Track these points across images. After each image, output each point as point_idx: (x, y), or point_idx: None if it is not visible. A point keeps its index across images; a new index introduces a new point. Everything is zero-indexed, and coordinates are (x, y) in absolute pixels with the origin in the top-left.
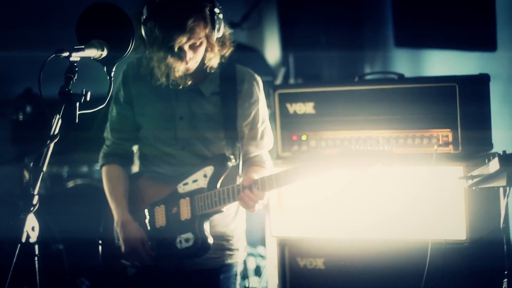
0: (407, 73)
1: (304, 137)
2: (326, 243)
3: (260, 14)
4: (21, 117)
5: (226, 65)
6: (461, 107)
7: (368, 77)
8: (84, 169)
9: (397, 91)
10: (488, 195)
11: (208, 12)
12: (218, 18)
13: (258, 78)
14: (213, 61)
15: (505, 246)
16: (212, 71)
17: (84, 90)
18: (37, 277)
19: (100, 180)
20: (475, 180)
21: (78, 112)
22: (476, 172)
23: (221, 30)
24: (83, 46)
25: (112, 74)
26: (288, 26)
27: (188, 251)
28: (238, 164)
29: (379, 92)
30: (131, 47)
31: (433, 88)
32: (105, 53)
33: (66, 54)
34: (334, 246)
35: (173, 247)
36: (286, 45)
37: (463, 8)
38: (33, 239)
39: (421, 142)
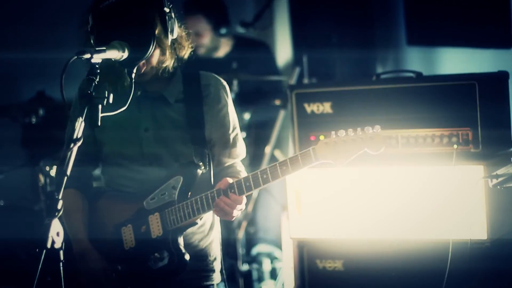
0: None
1: (321, 137)
2: (345, 244)
3: (272, 14)
4: (33, 120)
5: (189, 70)
6: (481, 105)
7: (385, 75)
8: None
9: (416, 89)
10: (508, 194)
11: (156, 14)
12: (170, 18)
13: (225, 83)
14: (166, 63)
15: None
16: (166, 75)
17: (106, 92)
18: (62, 282)
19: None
20: (500, 179)
21: (100, 115)
22: (501, 171)
23: (175, 31)
24: (105, 48)
25: (133, 75)
26: (300, 25)
27: (164, 270)
28: (209, 172)
29: (397, 90)
30: (152, 48)
31: (452, 86)
32: (126, 54)
33: (88, 56)
34: (354, 247)
35: (146, 267)
36: (298, 44)
37: (476, 4)
38: (57, 244)
39: (440, 141)
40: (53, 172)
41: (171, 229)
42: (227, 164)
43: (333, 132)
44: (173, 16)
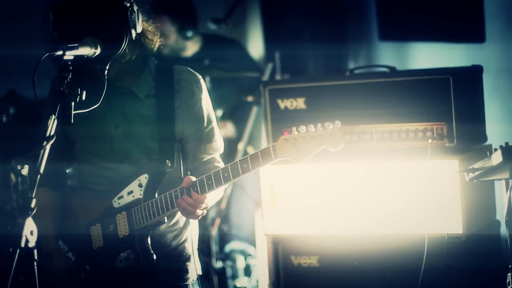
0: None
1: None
2: (320, 240)
3: (244, 10)
4: (4, 118)
5: (162, 64)
6: (455, 100)
7: (359, 70)
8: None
9: (390, 84)
10: (482, 188)
11: (118, 8)
12: (132, 13)
13: (199, 77)
14: (126, 58)
15: (509, 240)
16: (133, 70)
17: (79, 89)
18: (37, 282)
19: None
20: (476, 173)
21: (73, 112)
22: (478, 165)
23: (138, 25)
24: (77, 44)
25: (106, 72)
26: (271, 21)
27: (130, 270)
28: (179, 170)
29: (371, 85)
30: (125, 44)
31: (426, 80)
32: (98, 51)
33: (60, 52)
34: (329, 243)
35: (114, 267)
36: (270, 40)
37: None
38: (31, 243)
39: (415, 136)
40: (24, 171)
41: (137, 228)
42: (204, 160)
43: (293, 128)
44: (135, 10)
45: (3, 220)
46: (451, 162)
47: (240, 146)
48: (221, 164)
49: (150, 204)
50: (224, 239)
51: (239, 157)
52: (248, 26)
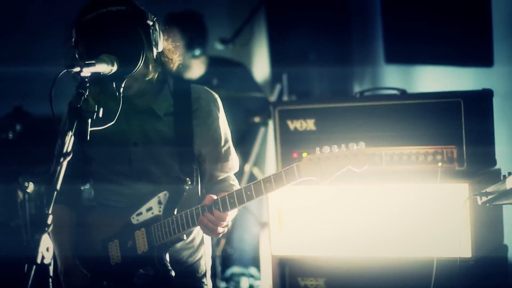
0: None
1: (304, 154)
2: (328, 262)
3: (251, 30)
4: (10, 135)
5: (180, 83)
6: (466, 123)
7: (369, 93)
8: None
9: (400, 107)
10: (491, 212)
11: (140, 27)
12: (154, 31)
13: (216, 96)
14: (149, 77)
15: None
16: (153, 88)
17: (96, 106)
18: None
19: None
20: (490, 197)
21: (89, 129)
22: (491, 189)
23: (160, 44)
24: (94, 61)
25: (121, 90)
26: (278, 42)
27: (149, 286)
28: (197, 187)
29: (381, 108)
30: (141, 62)
31: (436, 103)
32: (115, 68)
33: (77, 69)
34: (336, 265)
35: (132, 283)
36: (276, 61)
37: (457, 22)
38: (47, 260)
39: (425, 159)
40: (30, 189)
41: (156, 245)
42: (219, 178)
43: (317, 149)
44: (157, 29)
45: (8, 237)
46: (461, 186)
47: (247, 167)
48: (235, 183)
49: (170, 221)
50: (226, 261)
51: (245, 178)
52: (255, 46)
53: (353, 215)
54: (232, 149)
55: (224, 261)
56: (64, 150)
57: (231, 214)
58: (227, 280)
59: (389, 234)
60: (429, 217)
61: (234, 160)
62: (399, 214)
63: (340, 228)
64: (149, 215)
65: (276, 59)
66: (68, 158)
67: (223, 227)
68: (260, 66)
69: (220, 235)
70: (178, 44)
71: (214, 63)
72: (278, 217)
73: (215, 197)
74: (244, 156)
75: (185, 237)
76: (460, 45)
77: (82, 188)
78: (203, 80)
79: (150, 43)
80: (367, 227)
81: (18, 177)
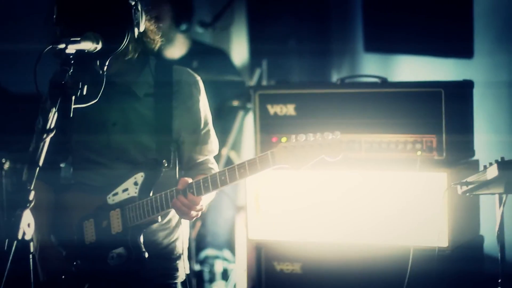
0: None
1: (284, 139)
2: (304, 247)
3: (231, 15)
4: None
5: (162, 64)
6: (446, 113)
7: (350, 80)
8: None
9: (380, 94)
10: (469, 202)
11: (122, 6)
12: (136, 12)
13: (198, 78)
14: (129, 56)
15: (499, 253)
16: (133, 67)
17: (80, 84)
18: (31, 275)
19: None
20: (470, 186)
21: (73, 107)
22: (471, 178)
23: (141, 24)
24: (79, 39)
25: (105, 68)
26: (258, 28)
27: (122, 267)
28: (174, 170)
29: (362, 95)
30: (126, 40)
31: (417, 93)
32: (99, 46)
33: (62, 46)
34: (313, 251)
35: (105, 264)
36: (256, 46)
37: (438, 13)
38: (28, 236)
39: (404, 147)
40: (6, 165)
41: (130, 226)
42: (198, 161)
43: (293, 136)
44: (139, 9)
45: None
46: (440, 175)
47: (224, 151)
48: (214, 166)
49: (145, 202)
50: (200, 243)
51: (222, 162)
52: (234, 31)
53: (331, 201)
54: (212, 132)
55: (198, 243)
56: (47, 127)
57: (206, 198)
58: (201, 262)
59: (366, 221)
60: (407, 206)
61: (213, 143)
62: (377, 202)
63: (317, 213)
64: (124, 195)
65: (256, 44)
66: (51, 135)
67: (196, 210)
68: (240, 51)
69: (194, 218)
70: (161, 23)
71: (194, 46)
72: (256, 201)
73: (190, 180)
74: (222, 139)
75: (159, 219)
76: (440, 35)
77: (61, 165)
78: (184, 63)
79: (131, 23)
80: (344, 213)
81: None
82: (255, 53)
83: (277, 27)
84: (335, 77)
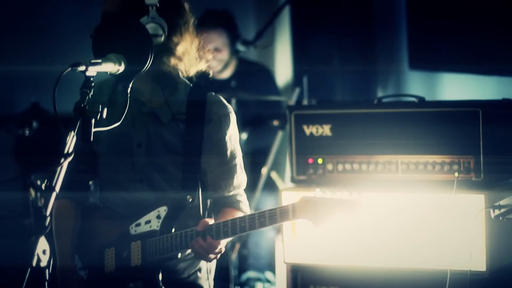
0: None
1: (320, 160)
2: (340, 271)
3: (273, 32)
4: (27, 132)
5: (195, 90)
6: (484, 133)
7: (387, 99)
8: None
9: (418, 114)
10: (508, 224)
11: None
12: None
13: (230, 110)
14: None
15: None
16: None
17: (100, 106)
18: None
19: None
20: (502, 210)
21: (93, 130)
22: (504, 201)
23: (178, 45)
24: (100, 60)
25: (129, 90)
26: (301, 45)
27: None
28: (198, 205)
29: (398, 115)
30: (149, 62)
31: (455, 112)
32: (122, 68)
33: (83, 68)
34: (349, 275)
35: None
36: (299, 64)
37: (481, 30)
38: (43, 263)
39: (441, 169)
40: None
41: (150, 260)
42: (225, 195)
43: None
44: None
45: (21, 236)
46: (477, 197)
47: (264, 170)
48: (243, 198)
49: (165, 239)
50: (242, 265)
51: (262, 182)
52: (277, 49)
53: (367, 224)
54: (240, 167)
55: (240, 265)
56: (65, 151)
57: (224, 241)
58: (242, 285)
59: (402, 244)
60: (444, 228)
61: (240, 177)
62: (413, 224)
63: (353, 237)
64: (147, 228)
65: (298, 61)
66: (69, 159)
67: (215, 253)
68: (283, 69)
69: (212, 260)
70: (226, 42)
71: (239, 63)
72: (292, 225)
73: (210, 222)
74: (262, 160)
75: (179, 256)
76: (483, 53)
77: (90, 184)
78: (222, 82)
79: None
80: (381, 236)
81: (31, 175)
82: (298, 71)
83: (321, 44)
84: (379, 95)
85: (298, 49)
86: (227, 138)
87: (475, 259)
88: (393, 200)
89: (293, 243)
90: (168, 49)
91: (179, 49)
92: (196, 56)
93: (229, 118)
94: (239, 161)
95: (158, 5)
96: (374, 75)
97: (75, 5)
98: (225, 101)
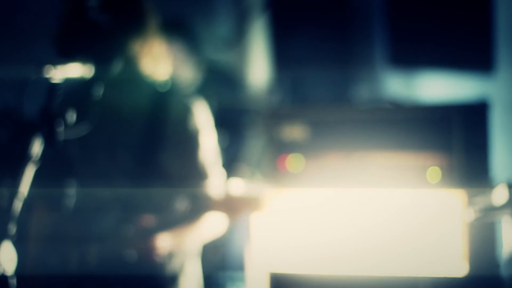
0: (400, 93)
1: (293, 162)
2: (314, 280)
3: (247, 31)
4: None
5: (159, 93)
6: (458, 136)
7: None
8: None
9: (392, 120)
10: (487, 228)
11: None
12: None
13: (198, 106)
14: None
15: None
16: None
17: (69, 111)
18: None
19: None
20: (479, 213)
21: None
22: (480, 204)
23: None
24: (67, 65)
25: (97, 94)
26: (277, 44)
27: None
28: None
29: (374, 120)
30: (117, 65)
31: (429, 116)
32: (90, 73)
33: (49, 73)
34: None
35: None
36: (275, 63)
37: (458, 27)
38: (9, 271)
39: (417, 171)
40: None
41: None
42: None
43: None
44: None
45: None
46: (454, 200)
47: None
48: (207, 190)
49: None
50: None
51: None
52: (253, 50)
53: (337, 229)
54: (209, 161)
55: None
56: (33, 157)
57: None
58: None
59: (376, 250)
60: (420, 233)
61: (211, 171)
62: (388, 228)
63: (325, 243)
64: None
65: (275, 61)
66: (36, 165)
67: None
68: (258, 69)
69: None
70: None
71: (209, 70)
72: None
73: (151, 220)
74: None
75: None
76: (460, 50)
77: (64, 189)
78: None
79: (124, 47)
80: (353, 241)
81: None
82: (274, 70)
83: (297, 43)
84: (356, 94)
85: (274, 48)
86: (196, 133)
87: (454, 264)
88: (366, 199)
89: (265, 250)
90: (133, 51)
91: (144, 51)
92: (161, 59)
93: (194, 115)
94: (211, 155)
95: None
96: (351, 72)
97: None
98: (188, 101)
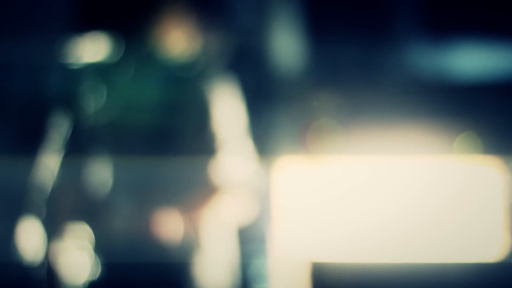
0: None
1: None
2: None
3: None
4: None
5: (177, 73)
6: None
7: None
8: None
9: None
10: None
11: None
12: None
13: (214, 83)
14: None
15: None
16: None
17: (90, 95)
18: None
19: None
20: None
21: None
22: None
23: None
24: (89, 44)
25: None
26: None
27: None
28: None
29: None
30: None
31: (458, 91)
32: (109, 55)
33: (71, 56)
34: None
35: None
36: (303, 40)
37: None
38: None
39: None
40: None
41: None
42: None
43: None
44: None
45: None
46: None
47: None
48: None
49: None
50: None
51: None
52: (278, 30)
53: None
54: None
55: None
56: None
57: None
58: None
59: (415, 233)
60: (456, 217)
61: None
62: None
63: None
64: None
65: (302, 38)
66: (61, 148)
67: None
68: (283, 46)
69: None
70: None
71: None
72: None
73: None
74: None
75: None
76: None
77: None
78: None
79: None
80: (387, 220)
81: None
82: (302, 49)
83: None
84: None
85: (300, 25)
86: (216, 113)
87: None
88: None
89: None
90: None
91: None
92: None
93: (209, 93)
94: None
95: None
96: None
97: None
98: (211, 77)
